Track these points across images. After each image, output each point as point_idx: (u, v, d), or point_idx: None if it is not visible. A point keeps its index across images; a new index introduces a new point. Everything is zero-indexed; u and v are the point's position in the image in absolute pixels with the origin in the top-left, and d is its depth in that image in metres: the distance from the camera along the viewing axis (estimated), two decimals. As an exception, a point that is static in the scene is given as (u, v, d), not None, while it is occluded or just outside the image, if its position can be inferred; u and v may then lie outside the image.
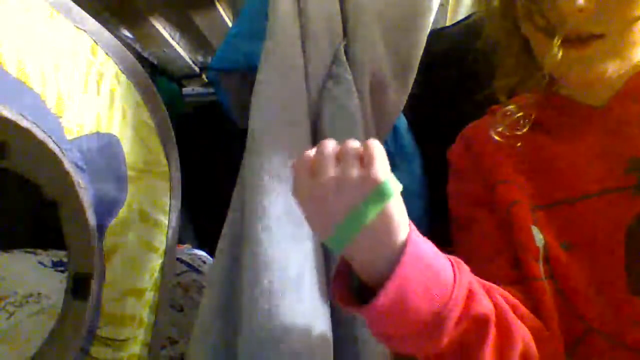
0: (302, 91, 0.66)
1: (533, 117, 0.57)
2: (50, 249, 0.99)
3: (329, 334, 0.57)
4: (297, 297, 0.54)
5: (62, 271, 0.93)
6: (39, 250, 0.98)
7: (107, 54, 0.59)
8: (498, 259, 0.55)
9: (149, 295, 0.64)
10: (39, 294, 0.81)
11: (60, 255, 0.97)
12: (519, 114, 0.58)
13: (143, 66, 0.66)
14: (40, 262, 0.93)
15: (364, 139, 0.62)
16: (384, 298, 0.37)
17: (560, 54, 0.49)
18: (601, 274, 0.49)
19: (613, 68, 0.50)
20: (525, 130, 0.57)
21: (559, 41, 0.49)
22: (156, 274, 0.65)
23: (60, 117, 0.51)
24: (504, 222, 0.56)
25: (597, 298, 0.49)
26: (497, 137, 0.58)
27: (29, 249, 0.98)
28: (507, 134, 0.58)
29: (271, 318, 0.52)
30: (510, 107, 0.58)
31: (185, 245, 1.20)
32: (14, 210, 1.09)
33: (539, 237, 0.53)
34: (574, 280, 0.50)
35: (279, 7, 0.67)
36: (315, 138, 0.66)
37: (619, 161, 0.50)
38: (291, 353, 0.52)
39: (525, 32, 0.54)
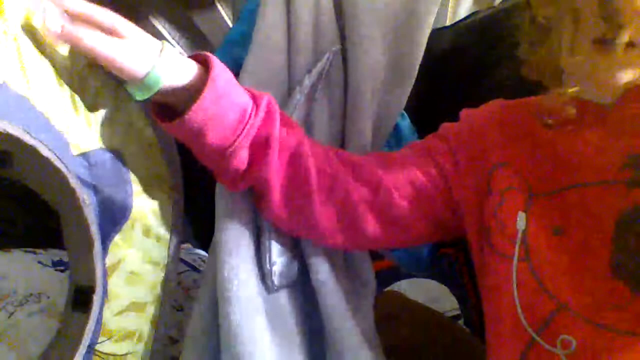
0: (286, 93, 0.67)
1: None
2: (50, 248, 0.99)
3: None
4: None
5: (62, 271, 0.93)
6: (39, 250, 0.98)
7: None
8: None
9: (150, 310, 0.64)
10: (39, 293, 0.81)
11: (60, 254, 0.97)
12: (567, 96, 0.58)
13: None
14: (40, 262, 0.93)
15: (356, 139, 0.63)
16: (186, 122, 0.51)
17: (595, 53, 0.50)
18: (586, 257, 0.52)
19: (637, 80, 0.51)
20: (573, 112, 0.57)
21: (621, 39, 0.48)
22: (157, 289, 0.66)
23: (65, 133, 0.52)
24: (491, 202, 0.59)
25: (576, 280, 0.51)
26: (549, 121, 0.59)
27: (29, 249, 0.98)
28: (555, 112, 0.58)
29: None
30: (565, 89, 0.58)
31: (185, 245, 1.20)
32: (13, 210, 1.09)
33: (521, 221, 0.56)
34: (552, 263, 0.53)
35: (268, 11, 0.67)
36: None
37: (618, 156, 0.52)
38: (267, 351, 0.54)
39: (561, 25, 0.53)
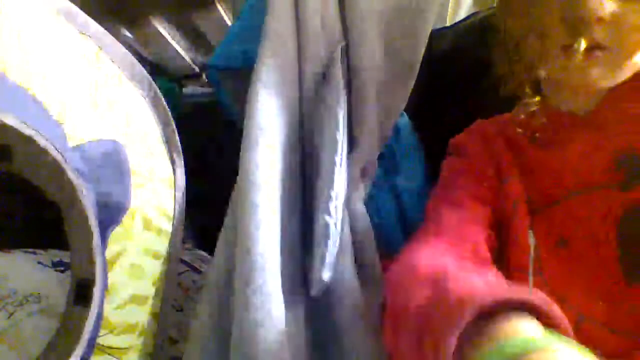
0: (296, 93, 0.66)
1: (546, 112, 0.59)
2: (50, 249, 0.99)
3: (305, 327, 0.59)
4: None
5: (62, 271, 0.92)
6: (39, 250, 0.98)
7: (111, 60, 0.59)
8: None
9: (152, 303, 0.64)
10: (39, 294, 0.81)
11: (60, 255, 0.97)
12: (536, 105, 0.60)
13: (143, 66, 0.66)
14: (40, 262, 0.93)
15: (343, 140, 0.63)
16: None
17: (565, 59, 0.52)
18: (596, 266, 0.52)
19: (609, 80, 0.53)
20: (543, 120, 0.59)
21: (580, 45, 0.50)
22: (159, 282, 0.65)
23: (63, 123, 0.51)
24: (503, 214, 0.59)
25: (590, 290, 0.51)
26: (519, 129, 0.61)
27: (29, 249, 0.98)
28: (526, 123, 0.61)
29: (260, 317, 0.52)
30: (531, 99, 0.60)
31: (185, 246, 1.20)
32: (14, 210, 1.09)
33: (531, 237, 0.57)
34: (564, 276, 0.54)
35: (276, 6, 0.67)
36: (306, 139, 0.67)
37: (606, 159, 0.53)
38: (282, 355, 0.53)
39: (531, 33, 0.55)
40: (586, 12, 0.48)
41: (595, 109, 0.56)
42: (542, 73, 0.56)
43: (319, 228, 0.60)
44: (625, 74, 0.53)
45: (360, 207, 0.68)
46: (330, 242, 0.58)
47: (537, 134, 0.60)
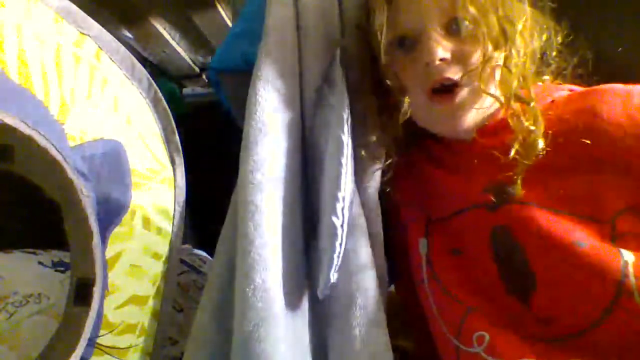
0: (297, 93, 0.66)
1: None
2: (50, 249, 0.99)
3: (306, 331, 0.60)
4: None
5: (62, 271, 0.92)
6: (39, 251, 0.98)
7: (111, 59, 0.59)
8: None
9: (152, 303, 0.64)
10: (39, 294, 0.81)
11: (60, 255, 0.97)
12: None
13: (143, 66, 0.66)
14: (40, 262, 0.93)
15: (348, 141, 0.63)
16: None
17: (430, 108, 0.58)
18: (481, 276, 0.57)
19: (471, 117, 0.58)
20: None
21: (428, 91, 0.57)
22: (159, 282, 0.65)
23: (63, 123, 0.51)
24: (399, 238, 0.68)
25: (479, 292, 0.57)
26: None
27: (29, 249, 0.98)
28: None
29: (262, 316, 0.52)
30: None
31: (185, 246, 1.20)
32: (14, 210, 1.09)
33: (423, 247, 0.64)
34: (457, 279, 0.59)
35: (275, 8, 0.67)
36: (308, 139, 0.67)
37: (480, 184, 0.59)
38: (283, 353, 0.52)
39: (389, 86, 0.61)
40: (428, 58, 0.55)
41: (475, 138, 0.61)
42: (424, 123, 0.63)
43: (325, 229, 0.59)
44: (486, 101, 0.58)
45: (372, 194, 0.68)
46: (337, 243, 0.58)
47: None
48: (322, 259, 0.59)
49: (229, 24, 1.24)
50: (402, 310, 0.77)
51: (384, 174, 0.68)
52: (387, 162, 0.67)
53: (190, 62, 1.43)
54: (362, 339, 0.57)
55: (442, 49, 0.55)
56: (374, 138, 0.65)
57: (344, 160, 0.60)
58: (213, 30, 1.28)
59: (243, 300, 0.53)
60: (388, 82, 0.60)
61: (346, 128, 0.61)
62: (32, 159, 0.47)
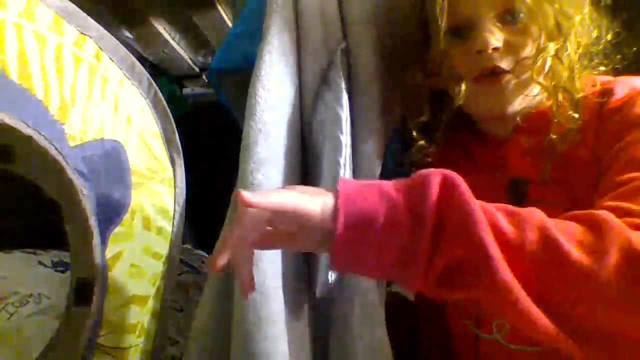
0: (296, 93, 0.66)
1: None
2: (50, 249, 1.00)
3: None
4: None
5: (62, 271, 0.93)
6: (39, 251, 0.98)
7: (111, 59, 0.59)
8: None
9: (152, 303, 0.64)
10: (39, 294, 0.81)
11: (60, 255, 0.97)
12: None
13: (143, 66, 0.66)
14: (40, 262, 0.94)
15: (348, 141, 0.63)
16: (340, 226, 0.41)
17: (476, 91, 0.58)
18: None
19: (516, 102, 0.58)
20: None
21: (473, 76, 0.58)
22: (159, 281, 0.65)
23: (64, 123, 0.51)
24: None
25: None
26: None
27: (29, 249, 0.98)
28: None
29: (261, 316, 0.53)
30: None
31: (185, 246, 1.20)
32: (14, 210, 1.09)
33: None
34: None
35: (275, 9, 0.67)
36: (308, 139, 0.67)
37: (502, 180, 0.60)
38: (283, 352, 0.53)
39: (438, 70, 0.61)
40: (481, 45, 0.56)
41: (512, 135, 0.62)
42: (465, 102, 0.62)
43: None
44: (529, 97, 0.59)
45: None
46: None
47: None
48: (320, 259, 0.59)
49: (229, 24, 1.24)
50: (407, 309, 0.77)
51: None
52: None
53: (190, 62, 1.43)
54: (361, 338, 0.57)
55: (495, 39, 0.56)
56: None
57: (342, 161, 0.60)
58: (213, 30, 1.28)
59: (242, 300, 0.53)
60: (441, 67, 0.61)
61: (345, 128, 0.61)
62: (32, 159, 0.47)
